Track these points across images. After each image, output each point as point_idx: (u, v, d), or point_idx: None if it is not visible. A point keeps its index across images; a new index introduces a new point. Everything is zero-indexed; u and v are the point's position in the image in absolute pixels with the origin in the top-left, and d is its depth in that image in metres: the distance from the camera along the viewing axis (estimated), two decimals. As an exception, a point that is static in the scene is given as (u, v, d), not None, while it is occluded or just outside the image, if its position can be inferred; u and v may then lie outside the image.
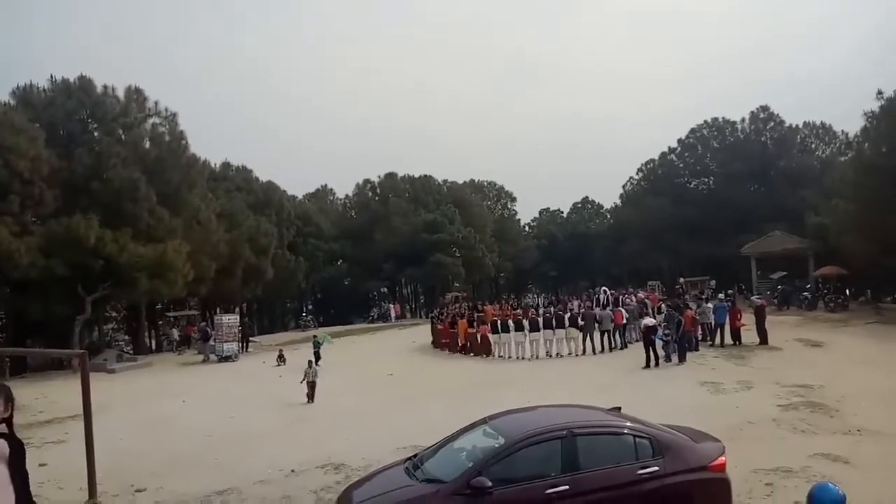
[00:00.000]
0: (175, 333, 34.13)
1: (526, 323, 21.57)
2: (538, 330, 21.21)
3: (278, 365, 23.66)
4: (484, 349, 22.46)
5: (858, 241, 29.07)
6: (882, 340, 20.56)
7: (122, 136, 30.25)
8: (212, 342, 27.88)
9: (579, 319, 21.87)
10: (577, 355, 20.81)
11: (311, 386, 15.96)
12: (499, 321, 23.09)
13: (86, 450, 9.38)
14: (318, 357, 21.63)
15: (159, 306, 40.20)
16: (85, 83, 29.72)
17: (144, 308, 36.08)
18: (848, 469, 8.62)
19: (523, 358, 21.14)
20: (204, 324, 33.05)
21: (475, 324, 24.02)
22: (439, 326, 26.31)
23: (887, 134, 27.75)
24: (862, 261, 31.06)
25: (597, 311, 22.85)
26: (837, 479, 6.25)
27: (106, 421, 13.55)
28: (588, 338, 21.19)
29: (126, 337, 42.39)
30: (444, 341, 25.21)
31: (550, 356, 20.96)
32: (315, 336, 26.31)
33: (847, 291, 35.50)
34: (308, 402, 15.67)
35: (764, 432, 10.84)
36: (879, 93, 28.61)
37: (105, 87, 30.29)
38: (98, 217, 26.29)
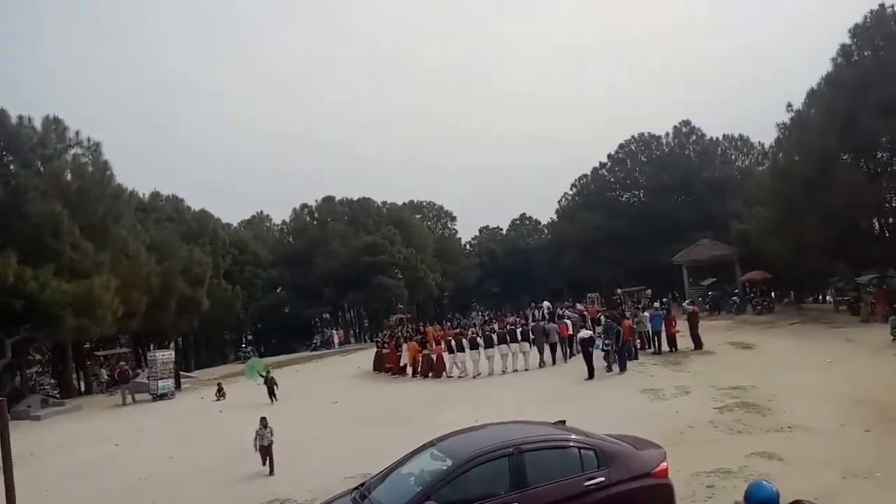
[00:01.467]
0: (104, 374, 32.45)
1: (481, 341, 21.56)
2: (493, 346, 21.26)
3: (218, 399, 22.85)
4: (439, 369, 22.16)
5: (777, 245, 30.70)
6: (805, 339, 21.70)
7: (41, 168, 28.80)
8: (145, 380, 26.63)
9: (530, 333, 21.98)
10: (527, 370, 20.85)
11: (264, 451, 11.82)
12: (452, 340, 22.72)
13: (6, 500, 8.74)
14: (271, 386, 20.79)
15: (87, 345, 38.12)
16: (-3, 113, 28.20)
17: (71, 348, 34.13)
18: (782, 465, 8.99)
19: (478, 375, 21.00)
20: (123, 363, 31.36)
21: (428, 345, 23.59)
22: (385, 351, 25.83)
23: (798, 143, 29.56)
24: (782, 264, 32.79)
25: (543, 324, 23.07)
26: (772, 476, 6.51)
27: (31, 471, 12.71)
28: (540, 351, 21.38)
29: (52, 380, 39.90)
30: (389, 366, 24.73)
31: (506, 371, 20.98)
32: (250, 366, 24.98)
33: (772, 294, 37.43)
34: (269, 472, 11.70)
35: (703, 435, 11.20)
36: (789, 105, 30.54)
37: (20, 116, 28.80)
38: (16, 254, 24.77)
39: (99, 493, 11.64)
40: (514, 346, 21.24)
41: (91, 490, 11.93)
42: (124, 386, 26.22)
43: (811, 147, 27.63)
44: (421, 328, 30.42)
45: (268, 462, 11.83)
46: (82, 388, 35.56)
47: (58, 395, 31.44)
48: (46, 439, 18.30)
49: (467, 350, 21.77)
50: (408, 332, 29.59)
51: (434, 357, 22.55)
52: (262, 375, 21.47)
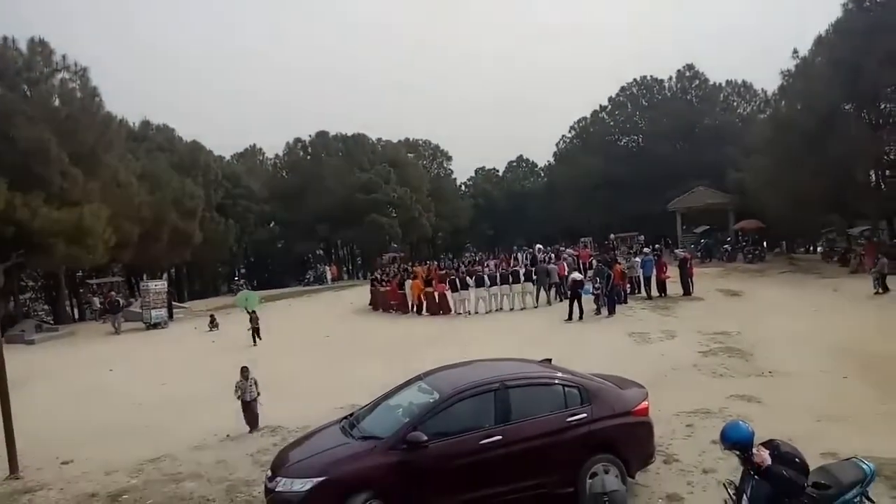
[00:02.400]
0: (97, 301, 32.67)
1: (487, 279, 21.96)
2: (496, 285, 21.68)
3: (210, 330, 23.12)
4: (442, 307, 22.40)
5: (773, 195, 30.63)
6: (794, 288, 21.97)
7: (28, 93, 28.04)
8: (138, 309, 26.84)
9: (533, 273, 22.23)
10: (524, 308, 21.26)
11: (248, 408, 10.43)
12: (457, 279, 22.85)
13: (3, 423, 8.97)
14: (255, 326, 19.62)
15: (81, 273, 38.25)
16: (-22, 35, 27.19)
17: (64, 276, 34.26)
18: (760, 408, 9.26)
19: (478, 313, 21.41)
20: (113, 293, 31.45)
21: (433, 282, 23.62)
22: (385, 288, 25.76)
23: (802, 92, 29.06)
24: (776, 214, 32.84)
25: (545, 265, 23.21)
26: (750, 418, 6.70)
27: (26, 394, 12.94)
28: (542, 290, 21.75)
29: (46, 307, 40.26)
30: (393, 302, 24.72)
31: (501, 310, 21.43)
32: (243, 297, 23.32)
33: (764, 244, 37.67)
34: (249, 430, 10.33)
35: (686, 377, 11.48)
36: (795, 52, 29.84)
37: (4, 38, 27.80)
38: (5, 180, 24.43)
39: (94, 416, 11.91)
40: (516, 286, 21.60)
41: (86, 414, 12.19)
42: (113, 316, 26.11)
43: (814, 96, 27.17)
44: (408, 268, 30.26)
45: (251, 419, 10.40)
46: (76, 316, 35.92)
47: (51, 322, 31.77)
48: (41, 363, 18.59)
49: (472, 288, 21.96)
50: (395, 270, 29.56)
51: (437, 295, 22.67)
52: (248, 312, 20.16)
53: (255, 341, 19.25)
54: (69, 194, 27.04)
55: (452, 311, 22.23)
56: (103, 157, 30.07)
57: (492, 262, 28.88)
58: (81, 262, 29.29)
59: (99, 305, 32.11)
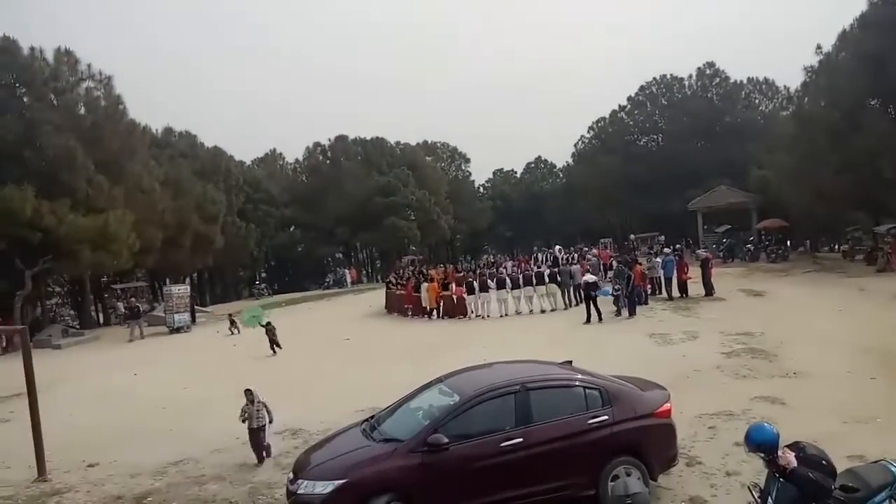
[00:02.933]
0: (122, 306, 33.21)
1: (508, 281, 21.85)
2: (519, 287, 21.51)
3: (231, 334, 23.35)
4: (459, 310, 22.23)
5: (796, 193, 30.16)
6: (818, 288, 21.58)
7: (55, 102, 28.65)
8: (161, 313, 27.21)
9: (557, 276, 22.03)
10: (544, 311, 21.05)
11: (254, 436, 8.86)
12: (475, 282, 22.61)
13: (32, 427, 9.15)
14: (272, 336, 18.34)
15: (105, 279, 38.93)
16: (9, 45, 27.79)
17: (89, 281, 34.90)
18: (785, 409, 9.11)
19: (502, 316, 21.23)
20: (133, 299, 31.73)
21: (449, 286, 23.46)
22: (400, 291, 25.72)
23: (825, 88, 28.58)
24: (800, 212, 32.32)
25: (569, 267, 23.01)
26: (774, 420, 6.61)
27: (54, 397, 13.20)
28: (565, 293, 21.57)
29: (72, 312, 41.02)
30: (408, 305, 24.55)
31: (521, 313, 21.26)
32: (249, 315, 21.49)
33: (787, 243, 37.06)
34: (257, 462, 8.86)
35: (708, 379, 11.33)
36: (819, 48, 29.36)
37: (32, 48, 28.43)
38: (33, 187, 24.97)
39: (119, 419, 12.08)
40: (540, 288, 21.39)
41: (111, 416, 12.38)
42: (133, 322, 26.04)
43: (839, 91, 26.71)
44: (424, 271, 30.11)
45: (259, 449, 8.87)
46: (101, 320, 36.53)
47: (77, 326, 32.36)
48: (67, 367, 18.92)
49: (492, 291, 21.77)
50: (410, 273, 29.51)
51: (455, 298, 22.51)
52: (261, 325, 18.85)
53: (274, 351, 18.24)
54: (94, 201, 27.58)
55: (468, 315, 22.02)
56: (127, 163, 30.64)
57: (509, 264, 28.82)
58: (106, 267, 29.84)
59: (123, 310, 32.61)
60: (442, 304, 23.00)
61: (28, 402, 9.39)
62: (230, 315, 25.01)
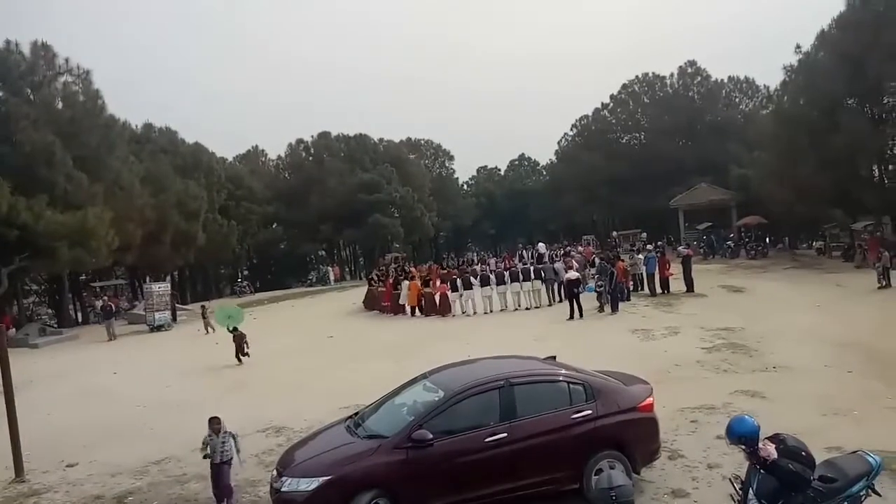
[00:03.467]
0: (99, 304, 32.74)
1: (492, 278, 21.69)
2: (503, 283, 21.38)
3: (207, 333, 22.52)
4: (443, 308, 22.02)
5: (776, 190, 30.59)
6: (797, 284, 21.93)
7: (31, 96, 28.13)
8: (142, 311, 26.84)
9: (542, 272, 21.90)
10: (529, 308, 21.02)
11: (218, 473, 7.21)
12: (458, 279, 22.37)
13: (8, 426, 9.00)
14: (240, 343, 16.32)
15: (84, 276, 38.33)
16: (-18, 38, 27.27)
17: (68, 279, 34.36)
18: (765, 403, 9.24)
19: (486, 313, 21.18)
20: (105, 297, 31.03)
21: (430, 283, 23.30)
22: (380, 288, 25.58)
23: (804, 87, 29.01)
24: (780, 209, 32.78)
25: (553, 264, 22.93)
26: (754, 413, 6.67)
27: (31, 397, 12.99)
28: (549, 290, 21.55)
29: (49, 310, 40.35)
30: (385, 304, 24.33)
31: (504, 309, 21.21)
32: (224, 314, 18.13)
33: (767, 239, 37.59)
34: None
35: (690, 374, 11.46)
36: (798, 47, 29.80)
37: (7, 42, 27.90)
38: (9, 184, 24.48)
39: (98, 419, 11.91)
40: (525, 284, 21.34)
41: (91, 416, 12.20)
42: (106, 321, 25.16)
43: (817, 90, 27.16)
44: (405, 268, 29.84)
45: (220, 489, 7.17)
46: (79, 319, 35.99)
47: (55, 325, 31.84)
48: (45, 366, 18.62)
49: (477, 288, 21.70)
50: (394, 271, 29.31)
51: (437, 296, 22.33)
52: (230, 331, 16.66)
53: (239, 360, 16.15)
54: (73, 197, 27.12)
55: (452, 312, 21.84)
56: (106, 159, 30.17)
57: (492, 261, 28.82)
58: (85, 264, 29.37)
59: (101, 309, 32.15)
60: (423, 301, 22.77)
61: (4, 401, 9.23)
62: (203, 308, 24.15)
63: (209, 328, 22.35)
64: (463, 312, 21.70)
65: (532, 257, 27.48)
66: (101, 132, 29.92)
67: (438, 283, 23.03)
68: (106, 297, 31.26)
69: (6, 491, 8.49)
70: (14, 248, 25.28)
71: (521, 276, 21.58)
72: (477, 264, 27.93)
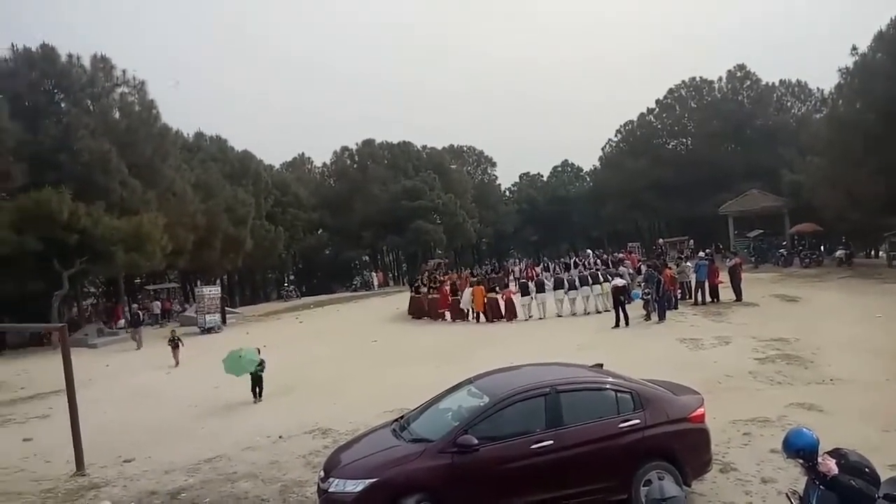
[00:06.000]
0: (155, 307, 33.92)
1: (565, 281, 21.80)
2: (575, 289, 21.43)
3: (175, 365, 18.90)
4: (509, 313, 21.79)
5: (831, 196, 29.51)
6: (854, 294, 21.04)
7: (91, 107, 29.44)
8: (193, 314, 27.63)
9: (591, 279, 21.76)
10: (598, 313, 20.87)
11: None
12: (529, 282, 22.41)
13: (70, 423, 9.37)
14: (258, 381, 13.17)
15: (138, 280, 39.73)
16: (48, 52, 28.66)
17: (123, 282, 35.66)
18: (822, 416, 8.90)
19: (540, 318, 21.16)
20: (136, 306, 31.14)
21: (496, 288, 23.18)
22: (433, 295, 25.02)
23: (861, 90, 27.95)
24: (834, 216, 31.59)
25: (600, 271, 22.69)
26: (811, 427, 6.45)
27: (90, 394, 13.52)
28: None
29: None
30: (441, 310, 23.89)
31: (561, 316, 21.20)
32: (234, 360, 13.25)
33: (821, 248, 36.22)
34: None
35: (742, 385, 11.13)
36: (854, 49, 28.73)
37: (70, 55, 29.32)
38: (69, 190, 25.64)
39: (152, 416, 12.32)
40: (584, 289, 21.30)
41: (145, 414, 12.63)
42: (134, 330, 24.65)
43: (875, 93, 26.12)
44: (438, 277, 29.41)
45: None
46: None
47: (112, 326, 33.04)
48: (102, 365, 19.35)
49: (549, 291, 21.65)
50: (433, 278, 29.15)
51: (502, 301, 22.15)
52: (252, 374, 13.16)
53: (254, 397, 13.15)
54: (128, 203, 28.24)
55: (519, 316, 21.66)
56: (160, 166, 31.31)
57: (516, 269, 28.70)
58: (140, 268, 30.47)
59: (157, 311, 33.25)
60: (489, 306, 22.25)
61: (67, 398, 9.64)
62: (172, 334, 19.98)
63: (175, 359, 18.86)
64: (530, 316, 21.52)
65: (558, 269, 27.21)
66: (155, 140, 31.09)
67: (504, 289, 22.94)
68: (136, 306, 31.25)
69: (68, 483, 8.85)
70: (74, 251, 26.43)
71: (590, 280, 21.52)
72: (501, 273, 27.89)
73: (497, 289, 22.97)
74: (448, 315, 23.72)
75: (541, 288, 21.76)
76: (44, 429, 11.99)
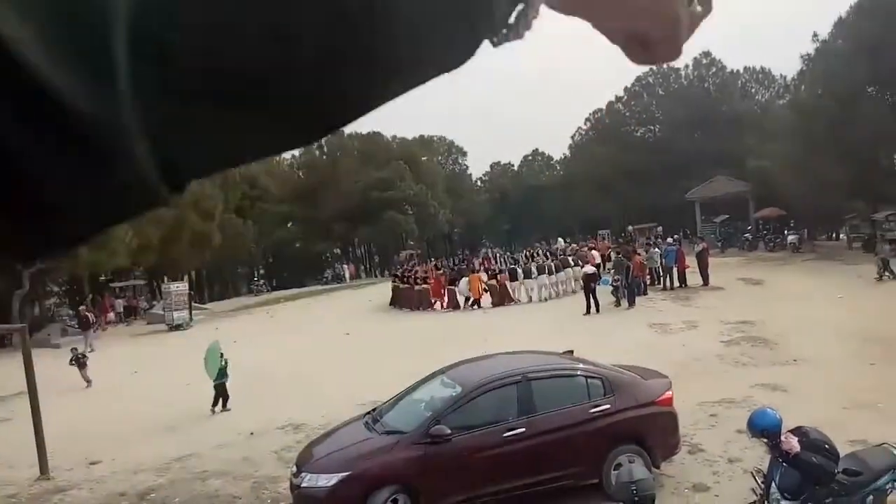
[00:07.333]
0: (120, 305, 33.20)
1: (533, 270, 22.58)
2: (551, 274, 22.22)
3: (87, 386, 16.50)
4: (505, 297, 22.37)
5: (795, 182, 30.16)
6: (817, 276, 21.59)
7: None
8: (160, 311, 27.12)
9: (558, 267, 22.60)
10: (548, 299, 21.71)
11: None
12: (518, 268, 23.32)
13: (33, 426, 9.13)
14: (222, 391, 12.34)
15: (103, 277, 38.80)
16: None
17: (87, 280, 34.82)
18: (786, 396, 9.13)
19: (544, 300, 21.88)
20: (83, 307, 29.18)
21: (496, 275, 23.56)
22: (424, 286, 24.82)
23: (823, 76, 28.56)
24: (798, 201, 32.32)
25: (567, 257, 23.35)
26: (775, 406, 6.59)
27: (54, 396, 13.15)
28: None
29: (70, 311, 40.91)
30: (434, 300, 24.06)
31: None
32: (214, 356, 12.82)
33: (785, 231, 37.08)
34: None
35: (709, 367, 11.37)
36: (815, 35, 29.33)
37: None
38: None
39: (120, 416, 12.05)
40: (560, 275, 22.19)
41: (112, 414, 12.36)
42: (85, 332, 22.66)
43: (836, 79, 26.71)
44: (424, 265, 29.70)
45: None
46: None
47: (76, 325, 32.28)
48: (67, 366, 18.83)
49: (534, 276, 22.26)
50: (411, 268, 29.23)
51: (499, 286, 22.60)
52: (220, 372, 12.45)
53: (217, 405, 12.31)
54: (91, 199, 27.43)
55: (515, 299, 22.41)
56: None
57: (476, 262, 29.08)
58: (104, 265, 29.73)
59: (121, 308, 32.53)
60: (490, 292, 22.82)
61: (29, 400, 9.38)
62: (74, 351, 17.37)
63: (85, 377, 16.40)
64: (529, 300, 22.19)
65: (509, 262, 27.73)
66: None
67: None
68: (83, 307, 27.36)
69: (32, 488, 8.63)
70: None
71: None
72: (464, 264, 28.35)
73: (499, 276, 23.41)
74: (439, 304, 24.13)
75: (528, 274, 22.42)
76: (5, 433, 11.66)
